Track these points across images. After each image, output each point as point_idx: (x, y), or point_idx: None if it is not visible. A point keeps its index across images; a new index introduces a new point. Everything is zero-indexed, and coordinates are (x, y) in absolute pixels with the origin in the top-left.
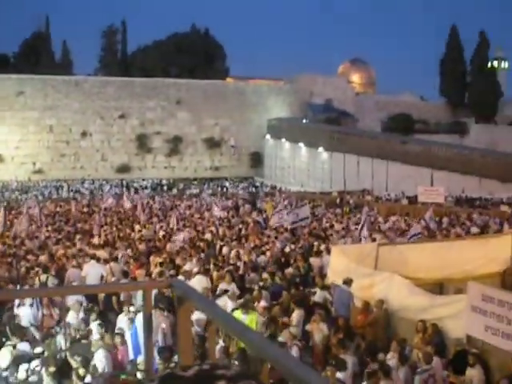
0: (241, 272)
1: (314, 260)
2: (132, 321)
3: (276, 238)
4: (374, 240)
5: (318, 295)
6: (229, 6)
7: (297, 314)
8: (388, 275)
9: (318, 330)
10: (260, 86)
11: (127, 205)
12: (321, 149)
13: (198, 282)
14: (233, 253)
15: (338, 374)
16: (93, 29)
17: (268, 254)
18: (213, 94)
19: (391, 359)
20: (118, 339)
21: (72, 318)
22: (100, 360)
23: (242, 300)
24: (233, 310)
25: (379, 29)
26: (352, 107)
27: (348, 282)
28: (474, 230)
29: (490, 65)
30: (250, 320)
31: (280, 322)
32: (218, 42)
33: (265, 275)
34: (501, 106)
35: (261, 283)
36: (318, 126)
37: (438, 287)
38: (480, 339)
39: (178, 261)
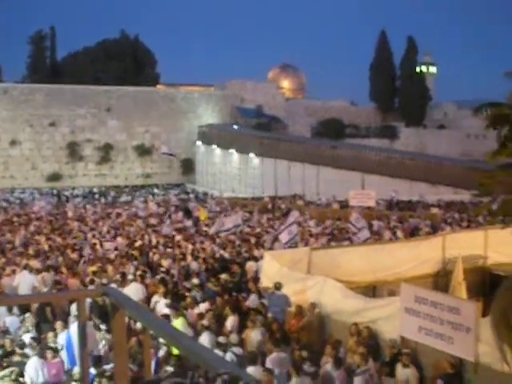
0: (174, 279)
1: (248, 265)
2: (67, 330)
3: (209, 243)
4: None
5: (252, 300)
6: (158, 12)
7: (231, 320)
8: (321, 279)
9: (253, 336)
10: (190, 92)
11: (70, 213)
12: (252, 154)
13: (134, 290)
14: (166, 260)
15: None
16: (21, 35)
17: (201, 260)
18: (143, 101)
19: (326, 363)
20: (49, 353)
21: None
22: (33, 370)
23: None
24: (164, 316)
25: (309, 34)
26: (282, 113)
27: (278, 287)
28: (399, 233)
29: (418, 70)
30: (179, 325)
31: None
32: (148, 49)
33: (198, 281)
34: (429, 110)
35: (194, 289)
36: (249, 131)
37: (371, 290)
38: (414, 340)
39: (111, 269)
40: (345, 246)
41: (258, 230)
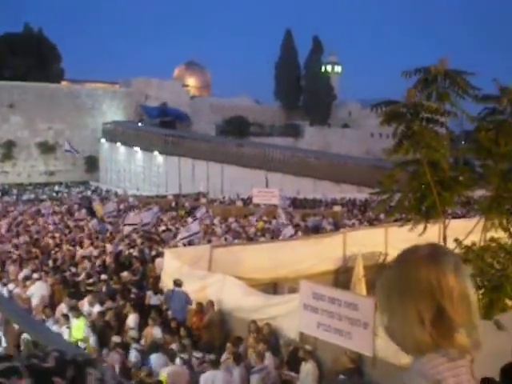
0: (76, 278)
1: (156, 262)
2: None
3: (111, 242)
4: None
5: (154, 298)
6: (63, 5)
7: (132, 318)
8: (221, 277)
9: (153, 334)
10: (95, 89)
11: None
12: (156, 152)
13: (38, 288)
14: (68, 258)
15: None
16: None
17: (107, 258)
18: (47, 97)
19: (226, 359)
20: None
21: None
22: None
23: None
24: (64, 316)
25: (215, 32)
26: (187, 110)
27: (179, 283)
28: (290, 231)
29: (323, 69)
30: (79, 325)
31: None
32: (52, 44)
33: (100, 279)
34: (334, 109)
35: (96, 287)
36: (153, 129)
37: (273, 287)
38: (313, 336)
39: (11, 268)
40: (246, 244)
41: (162, 228)
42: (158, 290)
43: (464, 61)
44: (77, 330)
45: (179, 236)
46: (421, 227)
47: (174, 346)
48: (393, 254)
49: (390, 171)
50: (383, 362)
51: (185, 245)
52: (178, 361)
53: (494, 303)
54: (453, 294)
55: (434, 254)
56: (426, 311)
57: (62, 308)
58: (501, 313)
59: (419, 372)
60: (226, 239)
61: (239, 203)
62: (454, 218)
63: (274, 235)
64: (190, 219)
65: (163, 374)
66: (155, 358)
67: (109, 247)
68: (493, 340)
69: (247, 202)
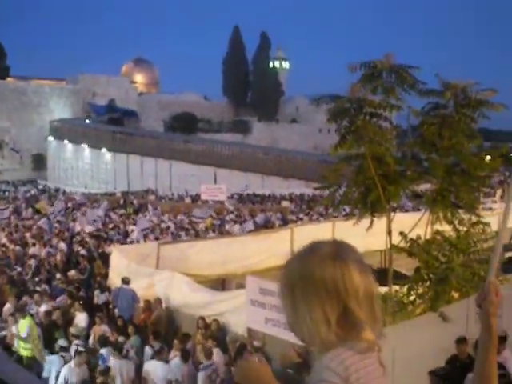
0: (23, 277)
1: (98, 262)
2: None
3: (61, 240)
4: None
5: (101, 297)
6: (8, 2)
7: (81, 317)
8: (168, 274)
9: (99, 332)
10: (41, 86)
11: None
12: (104, 150)
13: None
14: (15, 257)
15: None
16: None
17: (57, 257)
18: None
19: (174, 357)
20: None
21: None
22: None
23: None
24: (11, 315)
25: (163, 28)
26: (135, 107)
27: (126, 281)
28: (250, 225)
29: (271, 65)
30: (23, 324)
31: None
32: None
33: (47, 278)
34: (282, 105)
35: (44, 286)
36: (101, 126)
37: (221, 283)
38: (261, 331)
39: None
40: (194, 240)
41: (110, 225)
42: (105, 288)
43: (408, 56)
44: (22, 330)
45: (135, 233)
46: (367, 221)
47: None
48: None
49: (334, 166)
50: None
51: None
52: (124, 353)
53: (440, 295)
54: (358, 293)
55: (338, 251)
56: (332, 312)
57: (9, 308)
58: (446, 305)
59: (328, 368)
60: (178, 236)
61: (188, 200)
62: (406, 211)
63: (223, 231)
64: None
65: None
66: (105, 351)
67: (58, 245)
68: (438, 332)
69: (196, 198)
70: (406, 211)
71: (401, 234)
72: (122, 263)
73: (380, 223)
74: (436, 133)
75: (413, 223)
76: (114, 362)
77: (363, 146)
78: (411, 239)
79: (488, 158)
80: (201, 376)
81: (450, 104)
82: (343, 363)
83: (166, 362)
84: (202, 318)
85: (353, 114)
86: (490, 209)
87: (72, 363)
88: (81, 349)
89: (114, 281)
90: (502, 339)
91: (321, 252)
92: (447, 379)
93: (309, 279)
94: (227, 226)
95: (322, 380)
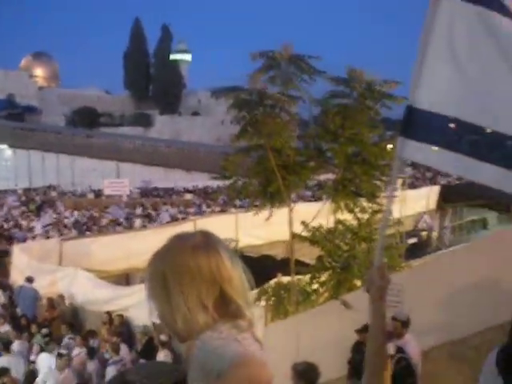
0: None
1: None
2: None
3: None
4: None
5: (1, 296)
6: None
7: None
8: (71, 270)
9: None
10: None
11: None
12: (4, 146)
13: None
14: None
15: None
16: None
17: None
18: None
19: (79, 353)
20: None
21: None
22: None
23: None
24: None
25: (63, 21)
26: (36, 102)
27: (30, 279)
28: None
29: (172, 57)
30: None
31: None
32: None
33: None
34: (184, 98)
35: None
36: (0, 122)
37: (125, 278)
38: None
39: None
40: (97, 235)
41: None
42: (6, 287)
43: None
44: None
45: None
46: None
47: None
48: (244, 239)
49: (232, 156)
50: None
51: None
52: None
53: (342, 283)
54: (232, 279)
55: (209, 242)
56: (208, 297)
57: None
58: (348, 293)
59: (212, 349)
60: (81, 232)
61: (91, 195)
62: (310, 201)
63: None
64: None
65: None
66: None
67: None
68: (341, 319)
69: (99, 193)
70: (310, 201)
71: (303, 223)
72: (23, 261)
73: (283, 214)
74: (338, 122)
75: (315, 213)
76: (2, 359)
77: (263, 137)
78: (313, 228)
79: (390, 146)
80: (110, 371)
81: (354, 94)
82: (227, 341)
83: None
84: (108, 313)
85: (253, 105)
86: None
87: None
88: None
89: (16, 279)
90: (404, 323)
91: (191, 242)
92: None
93: (183, 269)
94: (137, 221)
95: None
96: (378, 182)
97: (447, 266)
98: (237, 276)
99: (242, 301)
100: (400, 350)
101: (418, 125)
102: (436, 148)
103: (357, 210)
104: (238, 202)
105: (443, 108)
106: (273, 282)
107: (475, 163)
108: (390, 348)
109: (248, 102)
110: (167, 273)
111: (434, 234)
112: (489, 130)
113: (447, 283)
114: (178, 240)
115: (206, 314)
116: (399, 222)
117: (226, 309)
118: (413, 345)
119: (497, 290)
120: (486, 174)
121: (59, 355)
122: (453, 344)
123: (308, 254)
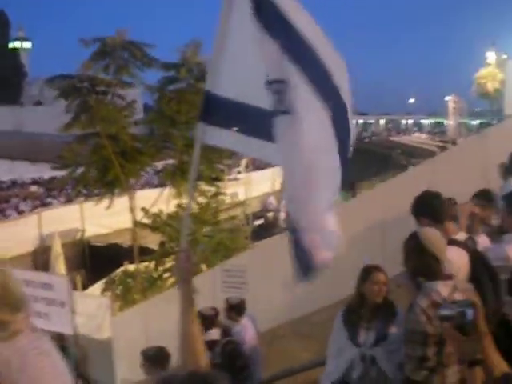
0: None
1: None
2: None
3: None
4: None
5: None
6: None
7: None
8: None
9: None
10: None
11: None
12: None
13: None
14: None
15: None
16: None
17: None
18: None
19: None
20: None
21: None
22: None
23: None
24: None
25: None
26: None
27: None
28: None
29: (11, 45)
30: None
31: None
32: None
33: None
34: (26, 87)
35: None
36: None
37: None
38: None
39: None
40: None
41: None
42: None
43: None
44: None
45: None
46: (116, 200)
47: None
48: (90, 229)
49: (69, 145)
50: (85, 338)
51: None
52: None
53: None
54: None
55: None
56: None
57: None
58: (194, 276)
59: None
60: None
61: None
62: (156, 187)
63: None
64: None
65: None
66: None
67: None
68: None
69: None
70: (156, 187)
71: (143, 209)
72: None
73: (127, 201)
74: (174, 108)
75: (160, 199)
76: None
77: (98, 125)
78: (154, 214)
79: None
80: None
81: (188, 79)
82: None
83: None
84: None
85: (85, 92)
86: (236, 179)
87: None
88: None
89: None
90: (236, 308)
91: None
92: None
93: None
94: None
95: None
96: (220, 166)
97: (287, 245)
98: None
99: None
100: (227, 333)
101: (214, 109)
102: (229, 131)
103: (197, 194)
104: (84, 192)
105: (228, 92)
106: (119, 270)
107: (261, 143)
108: (215, 333)
109: (79, 90)
110: None
111: (282, 215)
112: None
113: (287, 263)
114: None
115: None
116: (244, 203)
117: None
118: (249, 328)
119: (333, 269)
120: (265, 150)
121: None
122: (295, 322)
123: (155, 240)
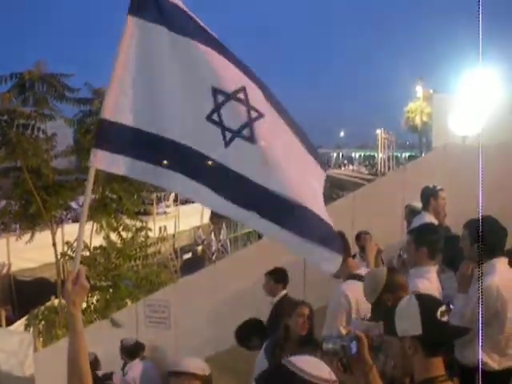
0: None
1: None
2: None
3: None
4: None
5: None
6: None
7: None
8: None
9: None
10: None
11: None
12: None
13: None
14: None
15: None
16: None
17: None
18: None
19: None
20: None
21: None
22: None
23: None
24: None
25: None
26: None
27: None
28: None
29: None
30: None
31: None
32: None
33: None
34: None
35: None
36: None
37: None
38: None
39: None
40: None
41: None
42: None
43: None
44: None
45: None
46: (46, 234)
47: None
48: (17, 263)
49: None
50: (7, 376)
51: None
52: None
53: (110, 303)
54: None
55: None
56: None
57: None
58: (117, 311)
59: None
60: None
61: None
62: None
63: None
64: None
65: None
66: None
67: None
68: (111, 337)
69: None
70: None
71: (67, 243)
72: None
73: (56, 235)
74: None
75: (85, 233)
76: None
77: (19, 158)
78: None
79: None
80: None
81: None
82: None
83: None
84: None
85: (4, 125)
86: (165, 213)
87: None
88: None
89: None
90: (128, 350)
91: None
92: None
93: None
94: None
95: None
96: (147, 199)
97: (210, 279)
98: None
99: None
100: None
101: (109, 136)
102: (126, 158)
103: (120, 228)
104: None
105: (128, 120)
106: (43, 306)
107: (158, 170)
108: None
109: None
110: None
111: (214, 249)
112: (163, 137)
113: (210, 296)
114: None
115: None
116: (173, 237)
117: None
118: (137, 372)
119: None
120: (168, 179)
121: None
122: (221, 355)
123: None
